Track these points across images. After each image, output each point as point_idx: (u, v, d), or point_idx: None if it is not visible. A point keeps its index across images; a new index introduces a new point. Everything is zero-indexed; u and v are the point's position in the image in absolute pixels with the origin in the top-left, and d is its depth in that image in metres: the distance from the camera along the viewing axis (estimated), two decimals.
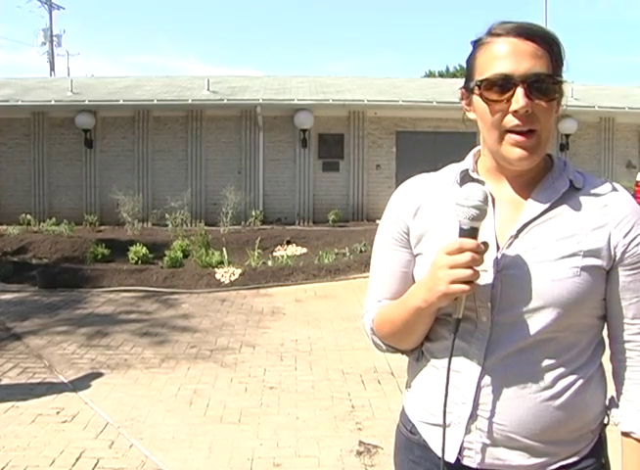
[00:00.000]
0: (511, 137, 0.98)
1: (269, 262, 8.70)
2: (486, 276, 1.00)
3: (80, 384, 4.03)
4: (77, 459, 2.96)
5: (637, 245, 1.00)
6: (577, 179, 1.04)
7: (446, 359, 1.05)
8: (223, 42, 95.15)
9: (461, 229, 0.95)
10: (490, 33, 1.00)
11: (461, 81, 1.08)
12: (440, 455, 1.07)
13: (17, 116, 13.42)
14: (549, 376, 1.00)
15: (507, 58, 0.97)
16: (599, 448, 1.07)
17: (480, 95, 1.00)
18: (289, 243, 10.36)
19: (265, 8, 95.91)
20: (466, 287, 0.93)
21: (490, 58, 0.98)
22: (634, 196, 1.09)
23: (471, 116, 1.07)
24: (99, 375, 4.22)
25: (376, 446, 3.11)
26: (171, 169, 13.55)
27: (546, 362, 1.00)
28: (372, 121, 13.70)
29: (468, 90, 1.05)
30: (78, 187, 13.52)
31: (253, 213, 12.55)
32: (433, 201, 1.10)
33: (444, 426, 1.03)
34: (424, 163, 12.48)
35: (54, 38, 28.97)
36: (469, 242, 0.93)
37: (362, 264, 8.22)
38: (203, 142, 13.53)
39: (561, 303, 0.97)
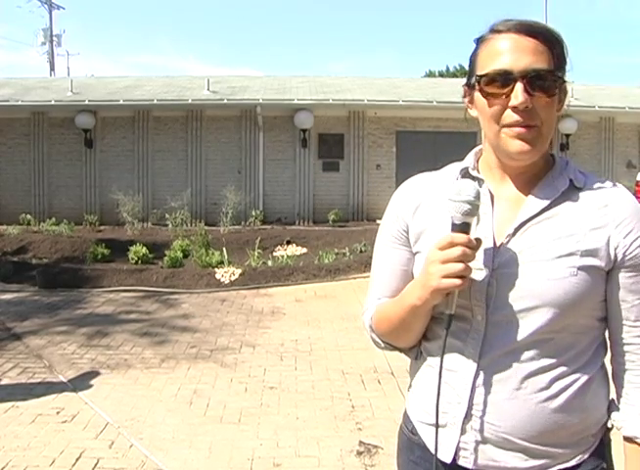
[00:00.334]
0: (511, 130, 0.98)
1: (269, 262, 8.70)
2: (482, 274, 1.00)
3: (80, 384, 4.03)
4: (77, 459, 2.95)
5: (638, 246, 0.98)
6: (578, 178, 1.03)
7: (444, 358, 1.06)
8: (223, 42, 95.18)
9: (453, 224, 0.96)
10: (492, 30, 1.00)
11: (461, 81, 1.08)
12: (438, 456, 1.07)
13: (17, 115, 13.42)
14: (545, 377, 0.98)
15: (507, 54, 0.97)
16: (601, 452, 1.05)
17: (481, 90, 1.00)
18: (289, 243, 10.36)
19: (265, 8, 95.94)
20: (457, 281, 0.93)
21: (491, 54, 0.99)
22: (634, 196, 1.07)
23: (473, 113, 1.07)
24: (99, 375, 4.22)
25: (376, 446, 3.11)
26: (171, 169, 13.55)
27: (542, 363, 0.98)
28: (372, 121, 13.70)
29: (470, 87, 1.05)
30: (78, 187, 13.52)
31: (253, 213, 12.55)
32: (432, 199, 1.11)
33: (437, 425, 1.03)
34: (424, 162, 12.48)
35: (54, 38, 28.96)
36: (460, 236, 0.94)
37: (362, 264, 8.22)
38: (203, 142, 13.53)
39: (557, 302, 0.96)
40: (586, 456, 1.03)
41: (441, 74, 34.31)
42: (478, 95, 1.02)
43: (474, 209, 0.96)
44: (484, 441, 1.02)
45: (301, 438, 3.23)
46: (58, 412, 3.55)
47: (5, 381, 4.09)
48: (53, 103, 13.24)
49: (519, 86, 0.95)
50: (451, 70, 35.53)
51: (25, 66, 67.67)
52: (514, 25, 0.98)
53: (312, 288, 7.34)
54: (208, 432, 3.30)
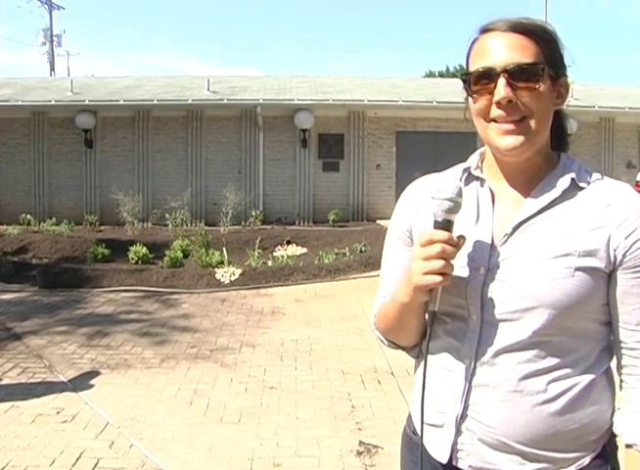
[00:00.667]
0: (498, 125, 0.98)
1: (269, 262, 8.71)
2: (478, 274, 1.00)
3: (80, 384, 4.03)
4: (77, 459, 2.96)
5: (623, 250, 0.95)
6: (583, 177, 1.02)
7: (442, 358, 1.07)
8: (223, 42, 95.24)
9: (435, 222, 0.97)
10: (481, 30, 1.01)
11: (461, 81, 1.08)
12: (435, 456, 1.08)
13: (17, 116, 13.43)
14: (542, 380, 0.97)
15: (491, 51, 0.98)
16: (603, 460, 1.02)
17: (468, 89, 1.02)
18: (289, 243, 10.36)
19: (265, 8, 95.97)
20: (438, 278, 0.93)
21: (478, 53, 1.00)
22: None
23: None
24: (99, 375, 4.22)
25: (376, 446, 3.11)
26: (171, 169, 13.56)
27: (540, 365, 0.97)
28: (372, 121, 13.70)
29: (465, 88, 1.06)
30: (78, 187, 13.53)
31: (254, 213, 12.55)
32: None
33: (422, 423, 1.04)
34: (424, 163, 12.54)
35: (54, 38, 28.99)
36: (440, 234, 0.94)
37: (362, 264, 8.22)
38: (203, 142, 13.53)
39: (552, 304, 0.94)
40: (587, 462, 1.00)
41: (441, 75, 34.31)
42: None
43: (455, 206, 0.96)
44: (480, 442, 1.02)
45: (301, 438, 3.23)
46: (58, 412, 3.55)
47: (5, 381, 4.09)
48: (53, 103, 13.25)
49: (500, 81, 0.96)
50: (451, 70, 35.53)
51: (26, 66, 67.79)
52: (500, 24, 0.99)
53: (312, 288, 7.35)
54: (208, 432, 3.30)
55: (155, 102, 13.24)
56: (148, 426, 3.37)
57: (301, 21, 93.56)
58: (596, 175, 1.03)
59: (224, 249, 8.95)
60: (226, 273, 7.65)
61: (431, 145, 13.43)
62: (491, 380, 0.99)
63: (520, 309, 0.97)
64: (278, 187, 13.66)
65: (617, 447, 1.05)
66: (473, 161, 1.11)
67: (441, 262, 0.93)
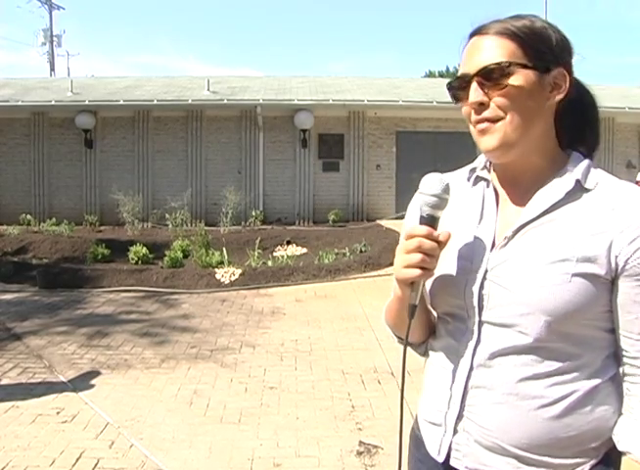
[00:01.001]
0: (477, 127, 0.99)
1: (269, 263, 8.71)
2: (476, 275, 1.00)
3: (80, 384, 4.03)
4: (77, 459, 2.95)
5: (627, 257, 0.92)
6: (590, 179, 0.98)
7: (442, 358, 1.07)
8: (223, 42, 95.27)
9: (420, 217, 0.98)
10: (467, 37, 1.03)
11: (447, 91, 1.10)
12: (433, 455, 1.09)
13: (17, 116, 13.43)
14: (540, 385, 0.95)
15: (467, 57, 1.00)
16: (604, 466, 1.00)
17: (452, 97, 1.04)
18: (289, 243, 10.36)
19: (265, 8, 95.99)
20: (417, 271, 0.95)
21: (462, 60, 1.02)
22: None
23: None
24: (99, 375, 4.22)
25: (376, 447, 3.11)
26: (171, 170, 13.56)
27: (537, 370, 0.96)
28: (372, 121, 13.70)
29: None
30: (78, 187, 13.53)
31: (253, 214, 12.56)
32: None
33: (401, 421, 1.07)
34: (424, 163, 12.55)
35: (54, 38, 29.00)
36: (420, 228, 0.96)
37: (362, 264, 8.22)
38: (203, 142, 13.54)
39: (548, 310, 0.93)
40: (587, 469, 0.99)
41: (441, 75, 34.32)
42: None
43: (441, 202, 0.97)
44: (476, 443, 1.01)
45: (301, 438, 3.23)
46: (58, 412, 3.55)
47: (5, 381, 4.09)
48: (53, 103, 13.25)
49: (472, 86, 0.98)
50: (451, 70, 35.52)
51: (26, 66, 67.80)
52: (479, 28, 1.00)
53: (312, 288, 7.35)
54: (208, 432, 3.30)
55: (155, 102, 13.24)
56: (148, 426, 3.37)
57: (301, 21, 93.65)
58: (605, 177, 0.99)
59: (224, 249, 8.95)
60: (226, 273, 7.65)
61: (431, 145, 13.43)
62: (488, 382, 0.99)
63: (516, 314, 0.96)
64: (278, 187, 13.66)
65: (620, 458, 1.02)
66: (480, 161, 1.11)
67: (419, 256, 0.94)
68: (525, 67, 0.95)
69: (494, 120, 0.97)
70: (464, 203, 1.08)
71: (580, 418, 0.96)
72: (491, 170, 1.09)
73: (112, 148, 13.60)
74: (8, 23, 59.35)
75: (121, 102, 13.18)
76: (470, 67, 0.98)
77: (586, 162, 1.00)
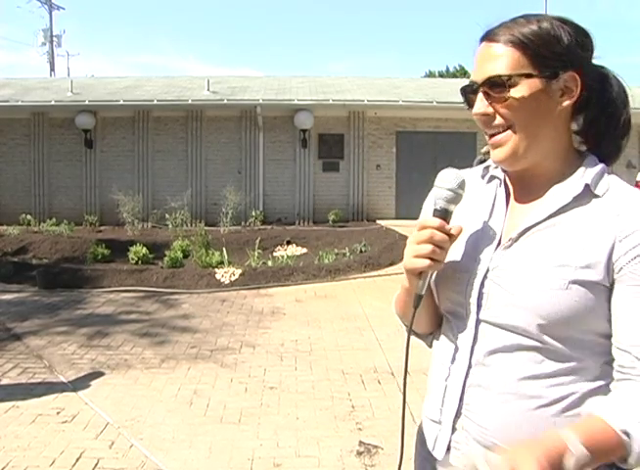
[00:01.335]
0: (489, 141, 1.00)
1: (269, 263, 8.71)
2: (479, 274, 1.01)
3: (80, 384, 4.03)
4: (77, 459, 2.96)
5: (625, 263, 0.90)
6: (601, 184, 0.96)
7: (443, 355, 1.08)
8: (223, 42, 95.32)
9: (434, 209, 1.00)
10: (478, 41, 1.02)
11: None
12: (432, 452, 1.09)
13: (17, 116, 13.43)
14: (537, 385, 0.95)
15: (476, 64, 1.00)
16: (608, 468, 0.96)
17: (465, 103, 1.04)
18: (289, 243, 10.36)
19: (265, 8, 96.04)
20: (426, 262, 0.96)
21: (473, 66, 1.02)
22: None
23: None
24: (99, 375, 4.22)
25: (376, 447, 3.11)
26: (171, 170, 13.56)
27: (535, 371, 0.95)
28: (372, 121, 13.70)
29: None
30: (78, 187, 13.53)
31: (253, 214, 12.56)
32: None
33: (402, 417, 1.07)
34: (424, 163, 12.56)
35: (54, 38, 28.99)
36: (432, 220, 0.98)
37: (362, 265, 8.22)
38: (203, 142, 13.54)
39: (543, 314, 0.92)
40: None
41: (441, 75, 34.32)
42: None
43: (455, 197, 0.99)
44: (475, 442, 1.02)
45: (301, 438, 3.23)
46: (58, 412, 3.55)
47: (5, 381, 4.09)
48: (53, 103, 13.25)
49: (479, 96, 0.98)
50: (451, 70, 35.53)
51: (26, 66, 67.81)
52: (485, 34, 0.99)
53: (312, 288, 7.35)
54: (208, 432, 3.30)
55: (155, 102, 13.24)
56: (148, 426, 3.37)
57: (301, 21, 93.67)
58: (616, 184, 0.97)
59: (224, 249, 8.95)
60: (226, 273, 7.65)
61: (431, 145, 13.43)
62: (484, 381, 0.99)
63: (512, 315, 0.96)
64: (278, 187, 13.66)
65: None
66: None
67: (429, 247, 0.96)
68: (529, 76, 0.94)
69: (502, 132, 0.98)
70: (476, 200, 1.09)
71: (578, 420, 0.95)
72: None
73: (112, 148, 13.60)
74: (8, 23, 59.39)
75: (121, 102, 13.18)
76: (477, 75, 0.98)
77: (599, 166, 0.98)
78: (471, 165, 1.25)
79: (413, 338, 1.11)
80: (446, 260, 1.01)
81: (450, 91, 14.79)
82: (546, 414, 0.95)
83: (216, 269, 7.84)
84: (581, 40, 0.97)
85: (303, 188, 13.60)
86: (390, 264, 8.20)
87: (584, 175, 0.97)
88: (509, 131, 0.97)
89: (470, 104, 1.02)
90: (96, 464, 2.91)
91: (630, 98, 1.03)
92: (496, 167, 1.09)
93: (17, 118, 13.46)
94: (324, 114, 13.39)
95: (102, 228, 12.34)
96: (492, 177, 1.10)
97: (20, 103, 13.30)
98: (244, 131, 13.57)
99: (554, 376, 0.95)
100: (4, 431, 3.27)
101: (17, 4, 43.96)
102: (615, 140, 1.03)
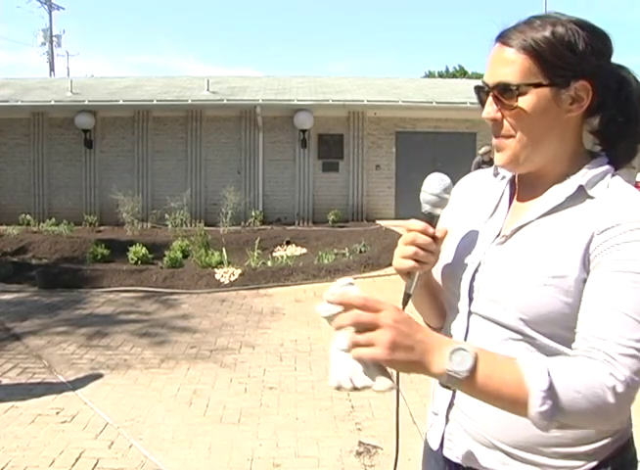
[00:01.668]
0: (494, 143, 1.01)
1: (269, 263, 8.70)
2: (471, 268, 1.03)
3: (80, 384, 4.03)
4: (77, 460, 2.96)
5: (608, 254, 0.88)
6: (597, 186, 0.95)
7: None
8: (223, 42, 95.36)
9: (421, 212, 1.02)
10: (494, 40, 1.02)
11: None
12: (429, 443, 1.12)
13: (16, 116, 13.43)
14: None
15: (488, 65, 0.99)
16: None
17: (479, 99, 1.04)
18: (288, 243, 10.36)
19: (265, 8, 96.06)
20: (410, 263, 0.99)
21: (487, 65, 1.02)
22: None
23: None
24: (98, 375, 4.22)
25: (375, 447, 3.11)
26: (171, 170, 13.56)
27: None
28: (372, 122, 13.71)
29: None
30: (78, 187, 13.53)
31: (253, 214, 12.56)
32: (466, 193, 1.17)
33: (397, 411, 1.06)
34: (423, 163, 12.55)
35: (54, 38, 28.99)
36: (416, 223, 1.00)
37: (362, 265, 8.22)
38: (202, 142, 13.53)
39: (522, 310, 0.93)
40: None
41: (441, 75, 34.33)
42: None
43: (440, 201, 1.01)
44: (466, 434, 1.03)
45: (301, 438, 3.23)
46: (57, 413, 3.55)
47: (5, 381, 4.09)
48: (53, 103, 13.24)
49: (488, 99, 0.98)
50: (451, 70, 35.55)
51: (25, 66, 67.83)
52: (500, 34, 0.98)
53: (312, 288, 7.34)
54: (208, 432, 3.30)
55: (154, 102, 13.24)
56: (147, 426, 3.37)
57: (301, 21, 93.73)
58: (617, 186, 0.95)
59: (224, 249, 8.95)
60: (226, 273, 7.65)
61: (430, 145, 13.43)
62: None
63: (497, 309, 0.98)
64: (277, 187, 13.66)
65: (624, 464, 1.00)
66: None
67: (413, 249, 0.99)
68: (539, 85, 0.93)
69: (507, 137, 0.98)
70: (485, 197, 1.11)
71: None
72: None
73: (111, 148, 13.60)
74: (8, 23, 59.48)
75: (121, 102, 13.18)
76: (489, 77, 0.98)
77: (602, 168, 0.97)
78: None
79: None
80: (449, 255, 1.06)
81: (450, 91, 14.79)
82: None
83: (216, 269, 7.84)
84: (597, 46, 0.94)
85: (303, 188, 13.60)
86: (390, 265, 8.18)
87: (583, 177, 0.96)
88: (512, 139, 0.97)
89: (482, 103, 1.02)
90: (95, 464, 2.91)
91: None
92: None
93: (16, 118, 13.46)
94: (324, 114, 13.39)
95: (101, 228, 12.34)
96: (503, 176, 1.12)
97: (19, 103, 13.29)
98: (243, 131, 13.57)
99: None
100: (3, 431, 3.27)
101: (17, 4, 43.91)
102: (631, 142, 1.01)
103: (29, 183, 13.53)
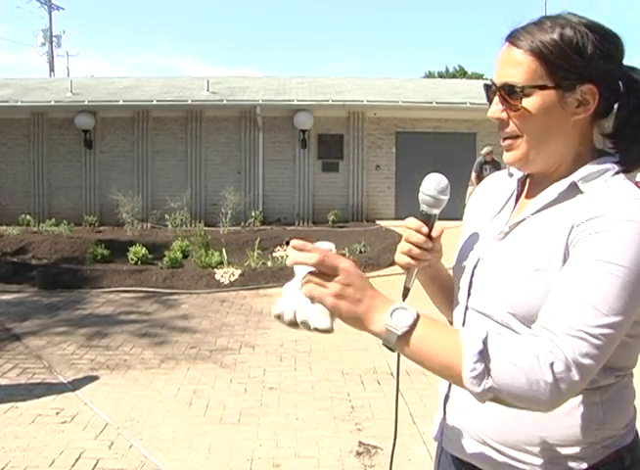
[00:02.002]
0: (502, 143, 1.02)
1: (269, 263, 8.70)
2: (471, 264, 1.06)
3: (80, 384, 4.03)
4: (77, 460, 2.96)
5: (586, 241, 0.87)
6: (591, 183, 0.94)
7: None
8: (223, 42, 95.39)
9: (419, 211, 1.05)
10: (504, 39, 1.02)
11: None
12: (434, 438, 1.15)
13: (16, 116, 13.43)
14: None
15: (497, 64, 1.00)
16: None
17: (487, 97, 1.04)
18: (288, 243, 10.34)
19: (265, 8, 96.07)
20: (405, 259, 1.05)
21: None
22: None
23: None
24: (98, 376, 4.22)
25: (375, 447, 3.11)
26: (171, 170, 13.56)
27: None
28: (371, 122, 13.71)
29: None
30: (78, 188, 13.53)
31: (253, 214, 12.56)
32: (483, 192, 1.19)
33: (396, 410, 1.10)
34: (423, 163, 12.55)
35: (53, 39, 29.01)
36: (412, 222, 1.05)
37: (361, 265, 8.21)
38: (202, 142, 13.54)
39: (509, 303, 0.94)
40: None
41: (441, 75, 34.35)
42: None
43: (436, 202, 1.03)
44: (460, 427, 1.05)
45: (301, 438, 3.23)
46: (57, 413, 3.55)
47: (5, 381, 4.09)
48: (53, 103, 13.25)
49: (495, 99, 0.99)
50: (450, 70, 35.57)
51: (25, 66, 67.90)
52: (509, 34, 0.98)
53: None
54: (208, 432, 3.30)
55: (154, 102, 13.24)
56: (147, 426, 3.37)
57: (301, 21, 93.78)
58: (613, 183, 0.93)
59: (224, 249, 8.95)
60: (226, 274, 7.65)
61: (430, 145, 13.43)
62: None
63: (489, 304, 0.99)
64: (277, 188, 13.66)
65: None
66: None
67: (408, 246, 1.04)
68: (544, 88, 0.93)
69: (514, 137, 0.99)
70: (497, 195, 1.13)
71: (556, 420, 0.94)
72: None
73: (111, 148, 13.60)
74: (8, 23, 59.57)
75: (121, 102, 13.18)
76: (496, 77, 0.99)
77: (602, 166, 0.95)
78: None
79: None
80: (458, 252, 1.11)
81: (450, 92, 14.80)
82: (517, 411, 0.94)
83: (216, 270, 7.83)
84: (607, 49, 0.93)
85: (303, 188, 13.60)
86: (390, 265, 8.19)
87: (578, 173, 0.96)
88: (518, 139, 0.98)
89: (490, 101, 1.03)
90: (95, 464, 2.91)
91: None
92: None
93: (16, 119, 13.46)
94: (323, 114, 13.39)
95: (101, 228, 12.34)
96: (516, 176, 1.13)
97: (19, 103, 13.30)
98: (243, 132, 13.57)
99: None
100: (3, 431, 3.27)
101: (17, 4, 43.94)
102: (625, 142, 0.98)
103: (29, 183, 13.54)
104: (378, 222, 12.56)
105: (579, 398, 0.94)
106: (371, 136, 13.73)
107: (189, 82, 15.73)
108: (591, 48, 0.92)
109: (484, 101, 1.04)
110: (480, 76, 29.58)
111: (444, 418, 1.10)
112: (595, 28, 0.94)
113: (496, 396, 0.81)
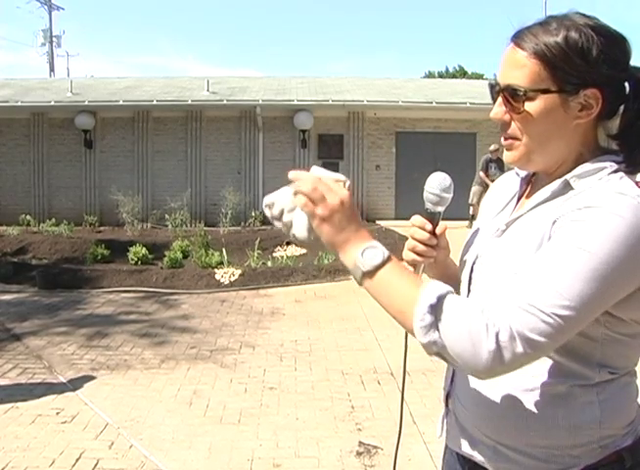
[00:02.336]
0: (503, 143, 1.03)
1: (269, 263, 8.70)
2: (472, 260, 1.08)
3: (80, 384, 4.03)
4: (77, 460, 2.96)
5: (564, 228, 0.87)
6: (584, 181, 0.93)
7: None
8: (223, 42, 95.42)
9: (424, 209, 1.08)
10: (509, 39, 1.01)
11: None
12: (437, 433, 1.17)
13: (16, 116, 13.43)
14: (511, 375, 0.88)
15: (501, 64, 0.99)
16: None
17: (492, 95, 1.04)
18: (288, 243, 10.36)
19: (265, 8, 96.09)
20: (411, 255, 1.09)
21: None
22: None
23: None
24: (99, 376, 4.22)
25: (376, 447, 3.11)
26: (171, 170, 13.56)
27: None
28: (371, 122, 13.71)
29: None
30: (78, 188, 13.53)
31: (253, 214, 12.56)
32: (497, 190, 1.20)
33: (401, 409, 1.11)
34: (423, 163, 12.57)
35: (53, 39, 29.01)
36: (416, 220, 1.09)
37: None
38: (202, 143, 13.54)
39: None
40: None
41: (441, 75, 34.35)
42: None
43: (440, 200, 1.05)
44: (460, 424, 1.05)
45: (301, 438, 3.23)
46: (58, 413, 3.55)
47: (5, 381, 4.09)
48: (53, 104, 13.25)
49: (499, 100, 0.98)
50: (450, 70, 35.57)
51: (25, 66, 67.90)
52: (514, 34, 0.97)
53: (312, 288, 7.34)
54: (208, 432, 3.30)
55: (154, 102, 13.25)
56: (147, 427, 3.37)
57: (301, 21, 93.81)
58: (607, 182, 0.91)
59: (224, 249, 8.95)
60: (226, 274, 7.65)
61: (430, 145, 13.43)
62: None
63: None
64: (278, 188, 13.52)
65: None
66: None
67: (413, 243, 1.08)
68: (547, 91, 0.93)
69: (514, 138, 0.99)
70: (504, 193, 1.15)
71: (552, 419, 0.94)
72: None
73: (111, 148, 13.60)
74: (8, 24, 59.60)
75: (121, 102, 13.18)
76: (500, 77, 0.99)
77: (599, 164, 0.94)
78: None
79: (411, 338, 1.11)
80: (463, 248, 1.14)
81: (450, 92, 14.80)
82: (511, 404, 0.96)
83: (216, 270, 7.83)
84: (612, 53, 0.92)
85: None
86: None
87: (572, 171, 0.96)
88: (519, 140, 0.98)
89: (494, 100, 1.02)
90: (95, 464, 2.91)
91: None
92: None
93: (16, 119, 13.47)
94: (324, 114, 13.39)
95: (101, 229, 12.34)
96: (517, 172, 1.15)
97: (19, 103, 13.30)
98: (243, 132, 13.57)
99: (529, 369, 0.92)
100: (4, 431, 3.27)
101: (17, 4, 44.01)
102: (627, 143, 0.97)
103: (29, 183, 13.54)
104: (378, 222, 12.55)
105: (576, 396, 0.93)
106: (371, 136, 13.73)
107: (189, 82, 15.74)
108: (596, 52, 0.91)
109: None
110: (480, 76, 29.59)
111: (447, 415, 1.11)
112: (601, 31, 0.92)
113: (440, 351, 0.84)
